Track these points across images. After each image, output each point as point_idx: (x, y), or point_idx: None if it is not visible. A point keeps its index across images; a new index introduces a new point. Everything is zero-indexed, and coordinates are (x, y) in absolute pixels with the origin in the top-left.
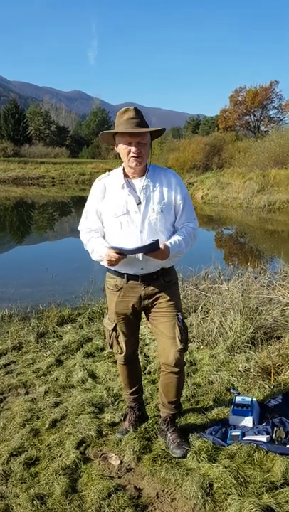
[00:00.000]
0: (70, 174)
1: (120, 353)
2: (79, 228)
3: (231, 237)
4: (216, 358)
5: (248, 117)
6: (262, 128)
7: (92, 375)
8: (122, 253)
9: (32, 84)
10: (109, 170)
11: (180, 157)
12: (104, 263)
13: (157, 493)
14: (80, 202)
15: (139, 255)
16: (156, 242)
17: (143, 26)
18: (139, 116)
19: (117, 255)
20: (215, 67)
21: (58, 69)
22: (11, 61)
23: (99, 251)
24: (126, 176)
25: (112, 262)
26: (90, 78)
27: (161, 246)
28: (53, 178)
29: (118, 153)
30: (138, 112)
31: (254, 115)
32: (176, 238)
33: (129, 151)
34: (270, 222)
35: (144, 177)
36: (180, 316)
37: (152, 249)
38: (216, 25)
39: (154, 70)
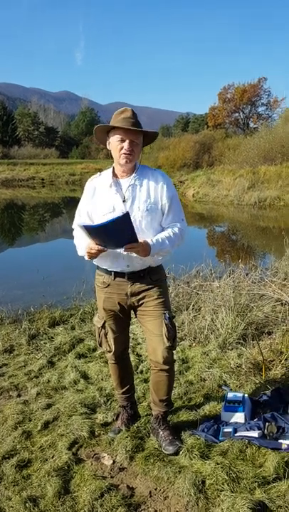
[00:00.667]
0: (60, 175)
1: (109, 351)
2: (73, 226)
3: (223, 234)
4: (207, 355)
5: (237, 114)
6: (251, 125)
7: (85, 376)
8: (94, 233)
9: (19, 85)
10: (100, 170)
11: (170, 155)
12: (86, 256)
13: (150, 492)
14: (71, 203)
15: (121, 251)
16: (125, 214)
17: (131, 26)
18: (136, 118)
19: (96, 247)
20: (205, 65)
21: (45, 70)
22: None
23: (82, 245)
24: (115, 175)
25: (91, 254)
26: (78, 78)
27: (141, 241)
28: (43, 179)
29: (109, 152)
30: (135, 114)
31: (243, 112)
32: (159, 236)
33: (122, 148)
34: (260, 218)
35: (132, 176)
36: (167, 314)
37: (122, 225)
38: (214, 25)
39: (143, 69)
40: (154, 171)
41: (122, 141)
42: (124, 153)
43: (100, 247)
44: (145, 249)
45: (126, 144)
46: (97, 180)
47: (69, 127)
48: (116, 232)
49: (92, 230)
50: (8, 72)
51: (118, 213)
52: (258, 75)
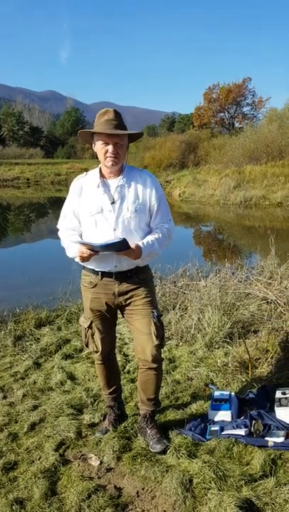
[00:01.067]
0: (45, 175)
1: (96, 352)
2: (58, 227)
3: (209, 233)
4: (194, 354)
5: (222, 114)
6: (236, 125)
7: (71, 377)
8: (93, 249)
9: (4, 85)
10: (86, 169)
11: (156, 155)
12: (77, 259)
13: (137, 492)
14: (57, 203)
15: (113, 253)
16: (123, 240)
17: (116, 25)
18: (118, 119)
19: (88, 251)
20: (191, 64)
21: (30, 69)
22: None
23: (72, 247)
24: (102, 176)
25: (83, 258)
26: (63, 78)
27: (133, 246)
28: (28, 179)
29: (95, 153)
30: (117, 114)
31: (228, 112)
32: (149, 238)
33: (107, 151)
34: (246, 218)
35: (120, 177)
36: (155, 313)
37: (120, 247)
38: (200, 25)
39: (128, 68)
40: (142, 171)
41: (107, 144)
42: (110, 157)
43: (91, 251)
44: (137, 252)
45: (110, 148)
46: (84, 180)
47: (54, 127)
48: (111, 248)
49: (94, 248)
50: None
51: (116, 238)
52: (242, 75)
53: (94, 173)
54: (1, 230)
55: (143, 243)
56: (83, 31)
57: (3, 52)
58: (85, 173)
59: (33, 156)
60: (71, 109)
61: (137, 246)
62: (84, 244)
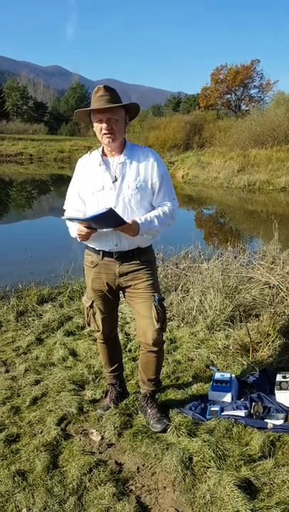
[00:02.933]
0: (48, 151)
1: (98, 331)
2: (64, 207)
3: (211, 217)
4: (195, 335)
5: (229, 96)
6: (243, 107)
7: (73, 353)
8: (90, 226)
9: (9, 58)
10: (89, 147)
11: (160, 135)
12: (78, 238)
13: (138, 468)
14: (59, 180)
15: (113, 230)
16: (110, 210)
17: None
18: (110, 93)
19: (85, 229)
20: (199, 44)
21: (36, 42)
22: None
23: (73, 227)
24: (104, 154)
25: (82, 236)
26: (69, 53)
27: (130, 221)
28: (31, 155)
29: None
30: (108, 89)
31: (235, 94)
32: (148, 215)
33: (101, 129)
34: (249, 202)
35: (121, 154)
36: (156, 296)
37: (112, 220)
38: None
39: (136, 44)
40: (144, 148)
41: (101, 121)
42: (105, 134)
43: (89, 229)
44: (134, 228)
45: (104, 124)
46: (87, 159)
47: (58, 103)
48: (102, 222)
49: (77, 222)
50: None
51: (102, 209)
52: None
53: (96, 152)
54: (3, 206)
55: (141, 219)
56: (90, 7)
57: (8, 25)
58: (89, 152)
59: (37, 132)
60: (76, 85)
61: (134, 222)
62: (72, 219)
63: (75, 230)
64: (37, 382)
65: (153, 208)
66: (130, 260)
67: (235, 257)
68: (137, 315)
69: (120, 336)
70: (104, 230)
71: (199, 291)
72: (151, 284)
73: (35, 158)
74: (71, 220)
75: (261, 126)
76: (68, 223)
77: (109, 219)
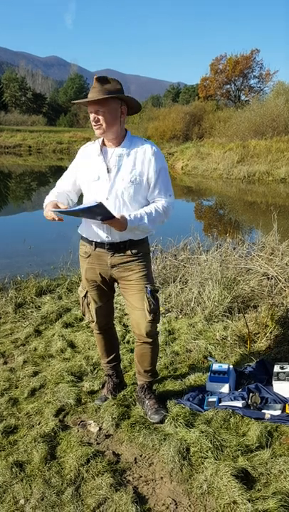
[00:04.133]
0: (47, 143)
1: (92, 321)
2: (56, 184)
3: (211, 208)
4: (194, 326)
5: (228, 86)
6: (242, 97)
7: (71, 345)
8: (71, 214)
9: (7, 48)
10: (88, 139)
11: (160, 126)
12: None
13: (135, 458)
14: (58, 171)
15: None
16: (99, 204)
17: None
18: (100, 85)
19: (51, 214)
20: (198, 33)
21: (34, 33)
22: None
23: (45, 205)
24: (104, 144)
25: (49, 219)
26: (67, 43)
27: (118, 216)
28: (30, 146)
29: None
30: (100, 80)
31: (235, 84)
32: (138, 212)
33: (92, 120)
34: (249, 193)
35: (119, 146)
36: (149, 288)
37: (100, 213)
38: None
39: (135, 34)
40: (145, 141)
41: (91, 113)
42: (94, 125)
43: (55, 216)
44: (122, 223)
45: (92, 115)
46: (90, 147)
47: (57, 94)
48: (91, 214)
49: (63, 213)
50: None
51: (92, 202)
52: (251, 46)
53: (99, 141)
54: (2, 198)
55: (130, 216)
56: None
57: (5, 15)
58: (93, 140)
59: (36, 124)
60: (75, 76)
61: (123, 217)
62: (62, 212)
63: (44, 206)
64: (35, 373)
65: (147, 202)
66: (122, 251)
67: (234, 249)
68: (130, 307)
69: (118, 327)
70: (92, 221)
71: (198, 282)
72: (144, 275)
73: (33, 149)
74: (62, 212)
75: (261, 117)
76: (45, 201)
77: (97, 212)
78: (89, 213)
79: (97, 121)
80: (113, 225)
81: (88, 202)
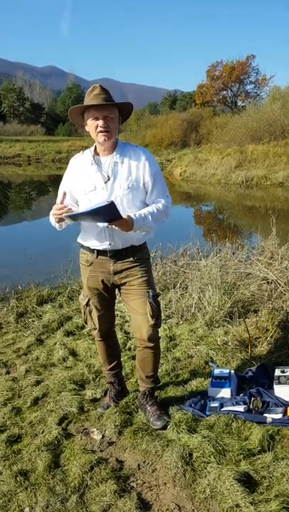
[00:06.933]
0: (46, 152)
1: (94, 329)
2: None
3: (210, 213)
4: (194, 332)
5: (225, 92)
6: (239, 103)
7: (73, 353)
8: (74, 218)
9: (4, 59)
10: (87, 147)
11: (158, 134)
12: (55, 224)
13: (139, 465)
14: (57, 180)
15: (105, 229)
16: (111, 204)
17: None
18: (106, 93)
19: (60, 208)
20: (194, 41)
21: (30, 43)
22: None
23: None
24: (96, 153)
25: (57, 216)
26: (64, 53)
27: (125, 216)
28: (29, 156)
29: (87, 133)
30: (104, 89)
31: (231, 90)
32: (142, 211)
33: (97, 126)
34: (247, 198)
35: (113, 154)
36: (151, 293)
37: (110, 213)
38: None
39: (131, 43)
40: (136, 147)
41: (97, 119)
42: (101, 131)
43: (62, 207)
44: (128, 223)
45: (100, 122)
46: (80, 158)
47: (55, 104)
48: (99, 217)
49: (74, 217)
50: None
51: (103, 202)
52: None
53: (89, 152)
54: (1, 208)
55: (135, 215)
56: (84, 5)
57: (2, 26)
58: (82, 151)
59: (34, 133)
60: (72, 85)
61: (129, 217)
62: (72, 216)
63: (51, 217)
64: (38, 382)
65: (145, 206)
66: (124, 258)
67: (233, 253)
68: (132, 311)
69: (120, 334)
70: (100, 224)
71: (198, 288)
72: (146, 280)
73: (33, 159)
74: (71, 216)
75: (258, 122)
76: (50, 213)
77: (107, 213)
78: (99, 215)
79: (106, 127)
80: (120, 225)
81: (99, 202)
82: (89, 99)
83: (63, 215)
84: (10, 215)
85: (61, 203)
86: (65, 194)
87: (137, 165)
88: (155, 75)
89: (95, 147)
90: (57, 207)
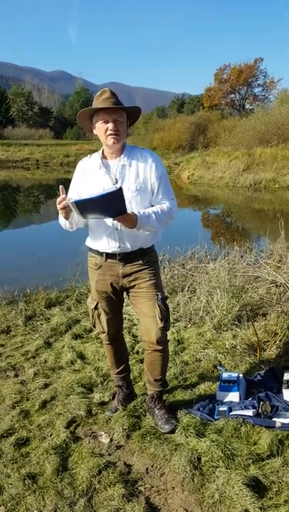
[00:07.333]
0: (54, 156)
1: (103, 332)
2: None
3: (218, 216)
4: (203, 336)
5: (233, 95)
6: (247, 106)
7: (81, 356)
8: (81, 210)
9: (13, 64)
10: (95, 151)
11: (165, 137)
12: (62, 219)
13: (147, 469)
14: (66, 184)
15: (114, 232)
16: (120, 190)
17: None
18: (115, 97)
19: (62, 196)
20: (202, 44)
21: (39, 48)
22: None
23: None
24: (104, 157)
25: (61, 204)
26: (72, 57)
27: (129, 212)
28: (38, 160)
29: (95, 136)
30: (113, 93)
31: (239, 93)
32: (146, 210)
33: (107, 129)
34: (256, 201)
35: (121, 156)
36: (160, 296)
37: (116, 202)
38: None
39: (139, 47)
40: (143, 150)
41: (106, 122)
42: (111, 134)
43: (64, 197)
44: (132, 219)
45: (110, 125)
46: (87, 162)
47: (63, 108)
48: (106, 206)
49: (81, 204)
50: (2, 50)
51: (111, 188)
52: (254, 55)
53: (96, 155)
54: (10, 211)
55: (139, 212)
56: (92, 10)
57: (11, 31)
58: (89, 155)
59: (43, 137)
60: (81, 89)
61: (133, 213)
62: (79, 201)
63: (61, 217)
64: (46, 385)
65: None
66: (133, 261)
67: (241, 257)
68: (141, 314)
69: (128, 338)
70: (107, 221)
71: (206, 291)
72: (154, 283)
73: (41, 163)
74: (78, 204)
75: (266, 125)
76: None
77: (115, 201)
78: (107, 203)
79: (116, 130)
80: (124, 220)
81: (107, 188)
82: (98, 103)
83: (70, 201)
84: (19, 219)
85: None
86: (63, 188)
87: (144, 167)
88: (163, 78)
89: (103, 150)
90: (59, 199)
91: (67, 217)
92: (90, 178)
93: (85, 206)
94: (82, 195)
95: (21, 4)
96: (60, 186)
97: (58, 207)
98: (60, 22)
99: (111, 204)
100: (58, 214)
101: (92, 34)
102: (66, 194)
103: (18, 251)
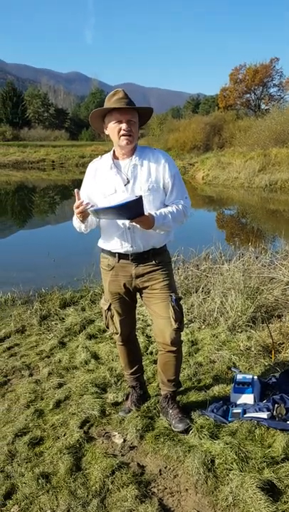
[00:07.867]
0: (70, 157)
1: (116, 333)
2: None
3: (232, 217)
4: (217, 337)
5: (248, 95)
6: (263, 106)
7: (95, 356)
8: (98, 215)
9: (29, 66)
10: (109, 152)
11: (180, 137)
12: (76, 222)
13: (160, 470)
14: (81, 185)
15: (126, 231)
16: (139, 198)
17: (140, 4)
18: (128, 98)
19: (80, 201)
20: (217, 44)
21: (55, 50)
22: (7, 43)
23: (75, 217)
24: (115, 157)
25: (79, 210)
26: (88, 58)
27: (146, 213)
28: (53, 161)
29: (107, 137)
30: (126, 94)
31: (254, 93)
32: (162, 210)
33: (120, 130)
34: (271, 201)
35: (132, 157)
36: (173, 296)
37: (135, 209)
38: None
39: (154, 48)
40: (154, 150)
41: (120, 122)
42: (124, 134)
43: (81, 202)
44: (149, 220)
45: (124, 125)
46: (98, 163)
47: (79, 109)
48: (126, 213)
49: (101, 211)
50: (18, 52)
51: (131, 197)
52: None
53: (107, 156)
54: (26, 212)
55: (156, 213)
56: (108, 11)
57: (28, 33)
58: (100, 156)
59: (58, 139)
60: (96, 90)
61: (150, 214)
62: (98, 210)
63: (75, 219)
64: (60, 385)
65: (165, 207)
66: (146, 261)
67: (256, 258)
68: (155, 315)
69: (141, 338)
70: (121, 224)
71: (220, 292)
72: (168, 284)
73: (57, 164)
74: (97, 211)
75: (282, 125)
76: (73, 218)
77: (134, 208)
78: (126, 210)
79: (129, 130)
80: (142, 222)
81: (127, 197)
82: (111, 103)
83: (89, 209)
84: (34, 219)
85: (78, 200)
86: (78, 192)
87: (157, 167)
88: (178, 79)
89: (114, 151)
90: (77, 204)
91: (83, 221)
92: (101, 179)
93: (105, 213)
94: (93, 195)
95: (39, 7)
96: (76, 190)
97: (76, 211)
98: (76, 24)
99: (131, 210)
100: (73, 216)
101: (107, 36)
102: (78, 195)
103: (34, 251)
